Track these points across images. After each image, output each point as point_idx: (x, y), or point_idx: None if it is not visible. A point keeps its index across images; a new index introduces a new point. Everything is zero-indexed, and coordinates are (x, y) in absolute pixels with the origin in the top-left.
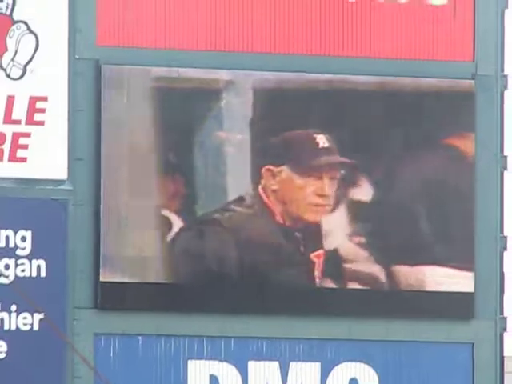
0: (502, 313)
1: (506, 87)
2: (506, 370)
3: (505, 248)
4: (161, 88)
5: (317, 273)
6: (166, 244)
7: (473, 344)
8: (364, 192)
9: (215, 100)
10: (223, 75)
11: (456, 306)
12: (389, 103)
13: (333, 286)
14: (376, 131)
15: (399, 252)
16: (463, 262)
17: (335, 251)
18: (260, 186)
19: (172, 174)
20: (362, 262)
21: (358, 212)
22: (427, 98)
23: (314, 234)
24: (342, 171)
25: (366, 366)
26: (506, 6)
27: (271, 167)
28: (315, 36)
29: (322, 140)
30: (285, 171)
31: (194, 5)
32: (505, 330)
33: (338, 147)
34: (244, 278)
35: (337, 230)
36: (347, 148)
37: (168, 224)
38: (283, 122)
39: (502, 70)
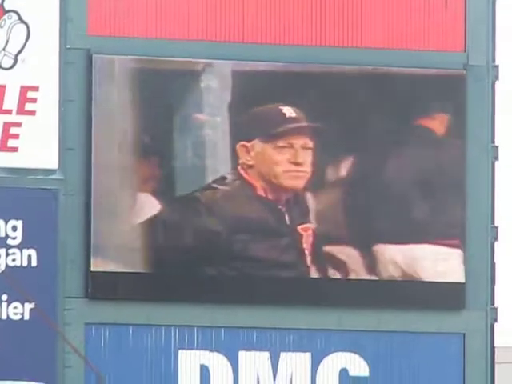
0: (492, 303)
1: (497, 77)
2: (496, 360)
3: (496, 238)
4: (141, 70)
5: (305, 245)
6: (156, 234)
7: (464, 334)
8: (343, 170)
9: (195, 82)
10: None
11: (447, 297)
12: (366, 85)
13: (318, 272)
14: (355, 112)
15: (384, 233)
16: (452, 238)
17: (318, 231)
18: (239, 165)
19: (157, 160)
20: (346, 245)
21: (339, 192)
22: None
23: (298, 206)
24: (313, 141)
25: (357, 357)
26: None
27: (244, 143)
28: (307, 26)
29: (289, 111)
30: (257, 144)
31: None
32: (495, 320)
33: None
34: (233, 266)
35: (319, 210)
36: (330, 128)
37: (157, 212)
38: (257, 101)
39: (494, 61)
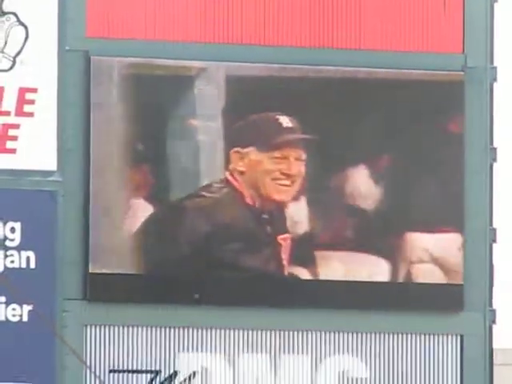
0: (491, 305)
1: (495, 79)
2: (494, 362)
3: (494, 240)
4: (135, 75)
5: (284, 256)
6: (153, 236)
7: (462, 336)
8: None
9: (188, 87)
10: (195, 63)
11: (445, 298)
12: (368, 91)
13: (307, 276)
14: (350, 118)
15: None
16: (451, 224)
17: (310, 236)
18: (228, 171)
19: (151, 164)
20: (342, 248)
21: (333, 198)
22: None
23: (281, 216)
24: (306, 153)
25: (356, 359)
26: None
27: (239, 149)
28: (305, 28)
29: (285, 120)
30: (252, 152)
31: None
32: (494, 322)
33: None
34: (228, 269)
35: (310, 216)
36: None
37: (155, 215)
38: (252, 107)
39: (492, 62)
